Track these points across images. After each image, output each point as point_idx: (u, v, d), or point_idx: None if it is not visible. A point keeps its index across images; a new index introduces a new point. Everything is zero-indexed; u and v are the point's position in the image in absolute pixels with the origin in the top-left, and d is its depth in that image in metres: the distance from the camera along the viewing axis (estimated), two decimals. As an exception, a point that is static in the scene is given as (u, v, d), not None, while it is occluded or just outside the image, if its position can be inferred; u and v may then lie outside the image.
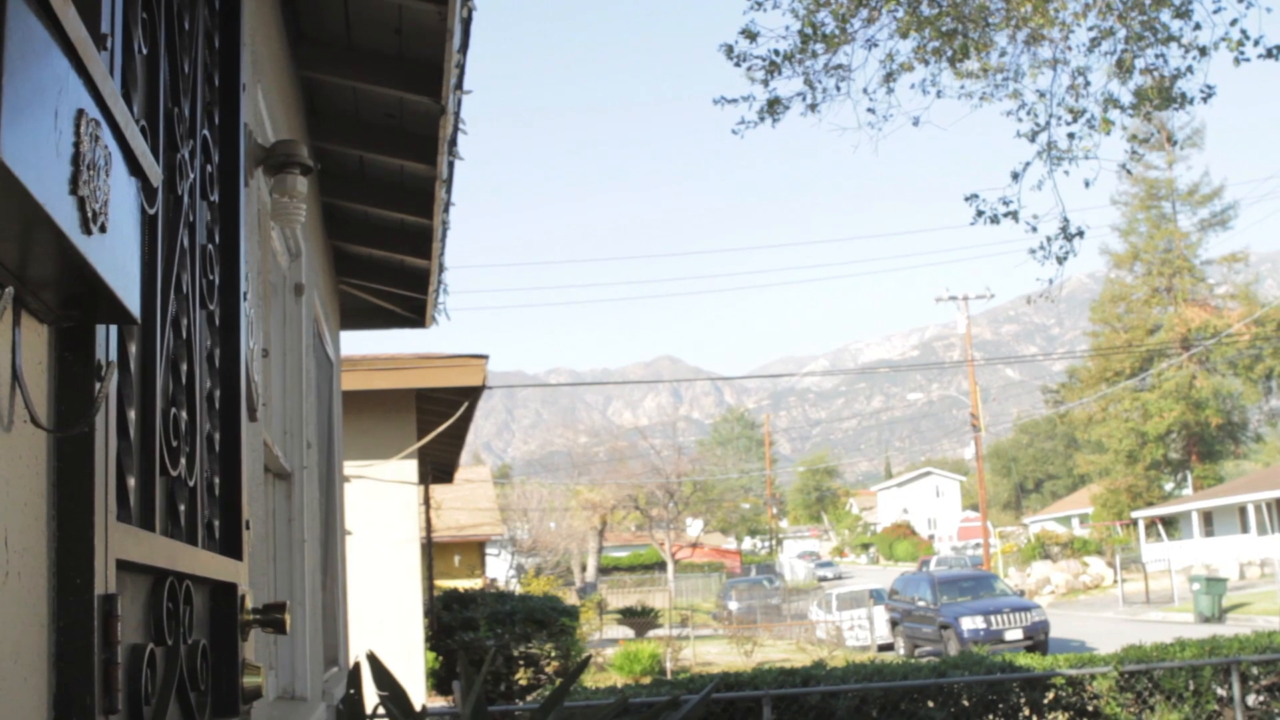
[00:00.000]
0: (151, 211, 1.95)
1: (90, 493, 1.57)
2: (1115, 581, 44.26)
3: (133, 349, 1.91)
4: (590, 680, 21.49)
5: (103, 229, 1.36)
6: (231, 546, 2.66)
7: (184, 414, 2.24)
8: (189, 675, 2.17)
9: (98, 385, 1.59)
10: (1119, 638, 16.79)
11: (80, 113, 1.28)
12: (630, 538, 68.49)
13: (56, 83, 1.22)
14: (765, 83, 12.36)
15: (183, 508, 2.24)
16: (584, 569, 57.68)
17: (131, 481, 1.87)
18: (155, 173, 1.61)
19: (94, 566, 1.56)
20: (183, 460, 2.20)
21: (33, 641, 1.48)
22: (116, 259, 1.44)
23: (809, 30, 12.08)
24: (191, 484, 2.31)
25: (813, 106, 12.52)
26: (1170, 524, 54.88)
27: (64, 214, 1.23)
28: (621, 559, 65.67)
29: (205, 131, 2.58)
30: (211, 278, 2.59)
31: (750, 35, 12.21)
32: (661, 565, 55.90)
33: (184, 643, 2.15)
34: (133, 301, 1.52)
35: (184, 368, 2.26)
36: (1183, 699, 10.86)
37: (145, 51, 2.01)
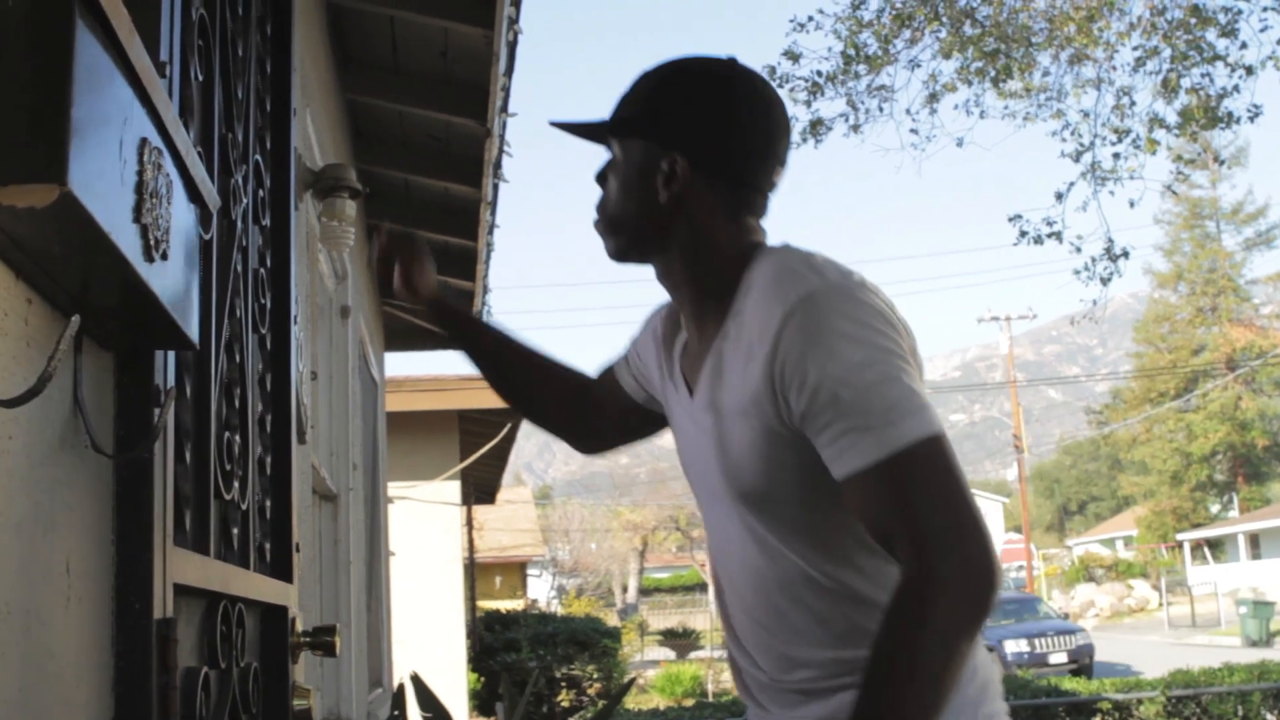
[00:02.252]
0: (207, 237, 1.96)
1: (149, 517, 1.58)
2: (1161, 605, 43.85)
3: (189, 374, 1.92)
4: (632, 702, 21.45)
5: (164, 256, 1.37)
6: (282, 569, 2.67)
7: (237, 438, 2.25)
8: (241, 698, 2.18)
9: (157, 411, 1.60)
10: (1165, 662, 16.64)
11: (144, 141, 1.29)
12: (671, 559, 68.33)
13: (121, 112, 1.23)
14: (808, 104, 12.38)
15: (235, 531, 2.25)
16: (625, 590, 57.59)
17: (188, 506, 1.88)
18: (214, 199, 1.62)
19: (153, 591, 1.57)
20: (236, 484, 2.21)
21: (93, 665, 1.48)
22: (177, 286, 1.45)
23: (852, 51, 12.09)
24: (244, 507, 2.32)
25: (855, 127, 12.53)
26: (1216, 546, 54.34)
27: (128, 242, 1.24)
28: (663, 580, 65.52)
29: (257, 156, 2.60)
30: (263, 302, 2.60)
31: (793, 56, 12.23)
32: (703, 586, 55.74)
33: (236, 666, 2.16)
34: (192, 328, 1.53)
35: (237, 392, 2.27)
36: (1231, 724, 10.76)
37: (201, 78, 2.03)
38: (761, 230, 2.02)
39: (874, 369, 1.69)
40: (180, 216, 1.47)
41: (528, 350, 2.55)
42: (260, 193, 2.64)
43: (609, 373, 2.45)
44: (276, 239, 2.78)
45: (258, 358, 2.55)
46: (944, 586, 1.59)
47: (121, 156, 1.22)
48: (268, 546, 2.60)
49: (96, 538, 1.51)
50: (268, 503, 2.63)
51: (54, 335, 1.36)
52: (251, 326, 2.44)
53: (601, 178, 2.08)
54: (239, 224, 2.30)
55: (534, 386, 2.54)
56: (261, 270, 2.61)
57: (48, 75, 1.08)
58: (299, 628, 2.68)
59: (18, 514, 1.27)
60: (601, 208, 2.08)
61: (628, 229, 2.03)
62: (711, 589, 2.10)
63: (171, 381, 1.71)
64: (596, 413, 2.48)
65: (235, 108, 2.35)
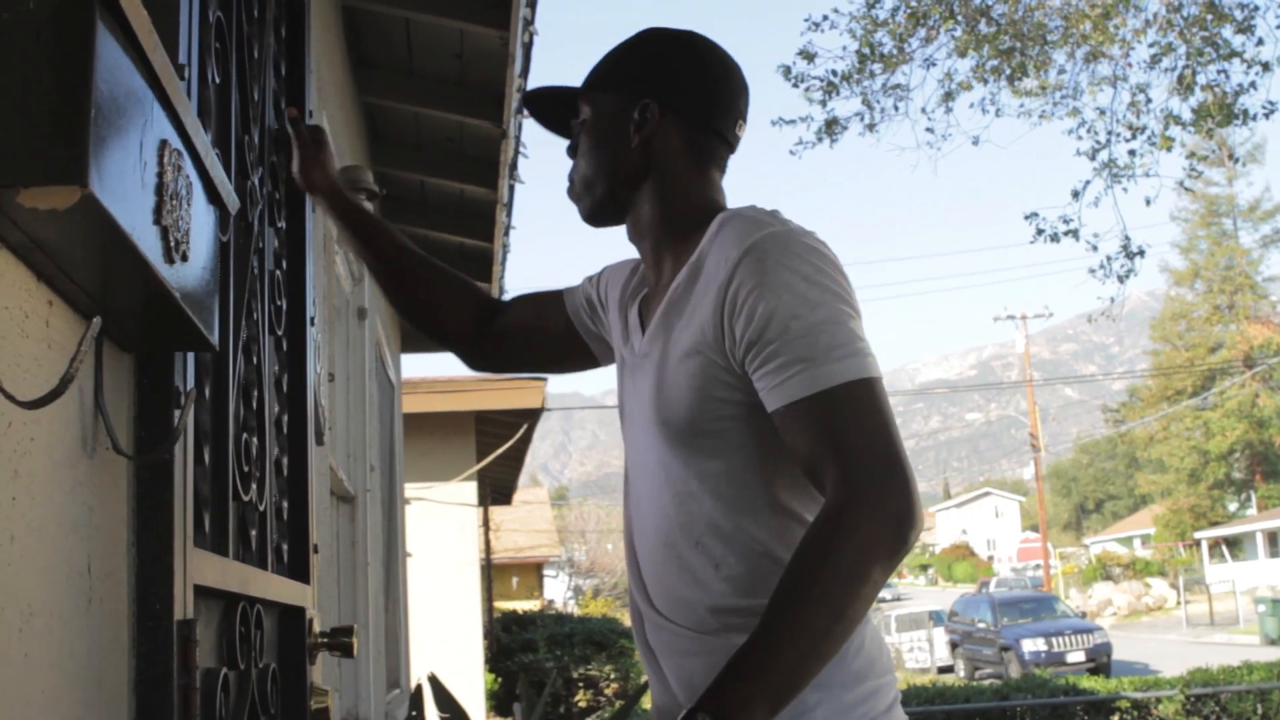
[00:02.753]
0: (224, 239, 1.97)
1: (169, 519, 1.58)
2: (1178, 603, 43.72)
3: (207, 376, 1.93)
4: (648, 702, 21.43)
5: (184, 258, 1.38)
6: (300, 570, 2.68)
7: (255, 439, 2.25)
8: (260, 699, 2.18)
9: (176, 413, 1.60)
10: (1183, 660, 16.59)
11: (164, 143, 1.30)
12: (687, 559, 68.13)
13: (141, 113, 1.23)
14: (823, 103, 12.36)
15: (254, 532, 2.25)
16: (641, 590, 57.46)
17: (207, 507, 1.89)
18: (233, 201, 1.62)
19: (173, 592, 1.57)
20: (254, 485, 2.21)
21: (114, 667, 1.49)
22: (196, 287, 1.45)
23: (867, 50, 12.07)
24: (262, 508, 2.32)
25: (871, 126, 12.50)
26: (1234, 544, 54.17)
27: (148, 244, 1.24)
28: (678, 580, 65.43)
29: (274, 158, 2.61)
30: (280, 304, 2.60)
31: (808, 56, 12.22)
32: (719, 587, 55.61)
33: (255, 667, 2.16)
34: (211, 329, 1.54)
35: (255, 393, 2.28)
36: (1251, 723, 10.72)
37: (218, 81, 2.03)
38: (723, 192, 2.12)
39: (824, 309, 1.77)
40: (200, 218, 1.48)
41: (426, 257, 2.63)
42: (277, 194, 2.65)
43: (550, 295, 2.51)
44: (293, 241, 2.79)
45: (275, 359, 2.55)
46: (861, 518, 1.65)
47: (142, 158, 1.23)
48: (285, 548, 2.61)
49: (117, 539, 1.52)
50: (285, 504, 2.63)
51: (75, 337, 1.36)
52: (269, 328, 2.45)
53: (573, 149, 2.17)
54: (256, 226, 2.31)
55: (431, 292, 2.59)
56: (278, 272, 2.61)
57: (69, 77, 1.08)
58: (317, 628, 2.68)
59: (39, 515, 1.28)
60: (574, 173, 2.16)
61: (603, 180, 2.11)
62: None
63: (191, 383, 1.72)
64: (501, 330, 2.54)
65: (252, 110, 2.36)
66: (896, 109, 12.60)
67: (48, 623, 1.29)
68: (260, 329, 2.35)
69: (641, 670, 19.26)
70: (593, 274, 2.41)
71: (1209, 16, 11.38)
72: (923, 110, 13.17)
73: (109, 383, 1.48)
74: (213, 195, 1.55)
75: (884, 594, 66.53)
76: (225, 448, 2.00)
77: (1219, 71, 11.63)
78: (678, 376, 1.91)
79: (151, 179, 1.26)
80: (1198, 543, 56.31)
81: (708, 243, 1.94)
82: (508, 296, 2.62)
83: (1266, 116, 11.70)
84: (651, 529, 2.00)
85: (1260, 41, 11.50)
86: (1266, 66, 11.48)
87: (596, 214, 2.15)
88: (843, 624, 1.63)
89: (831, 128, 12.45)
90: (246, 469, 2.15)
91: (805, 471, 1.78)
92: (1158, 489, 67.75)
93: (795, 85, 12.31)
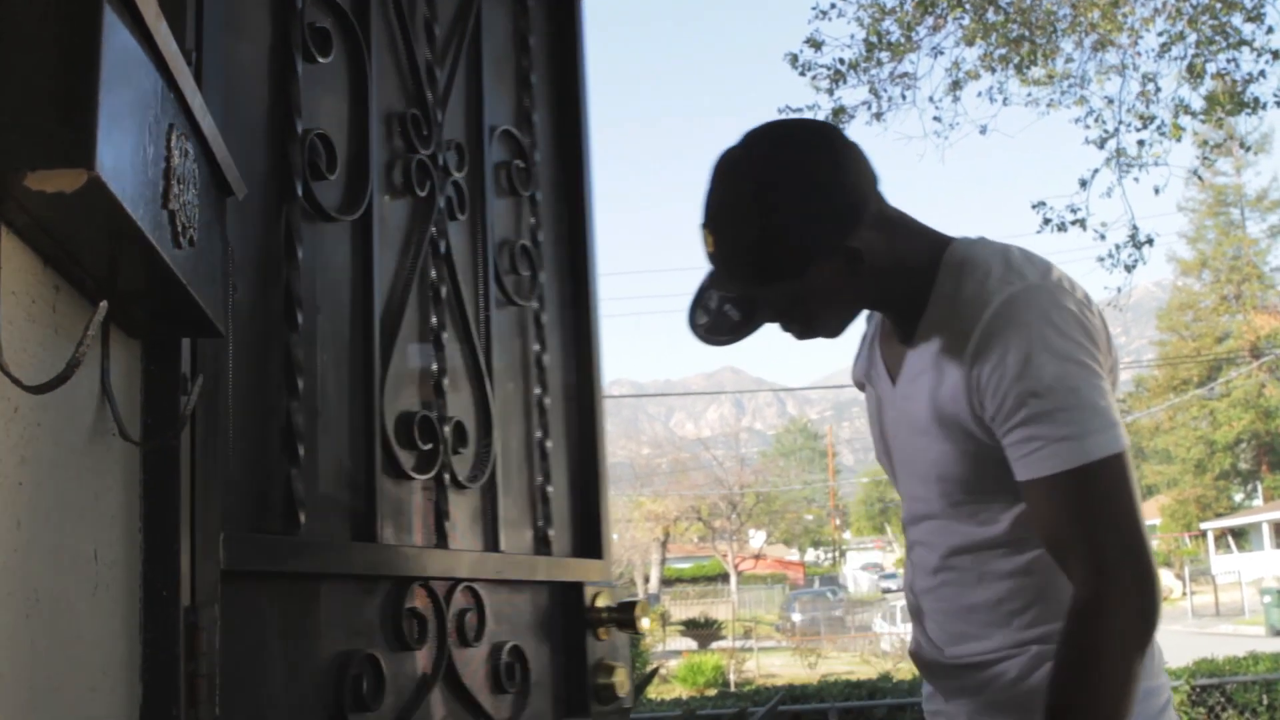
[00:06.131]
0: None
1: (176, 504, 1.58)
2: (1184, 594, 43.73)
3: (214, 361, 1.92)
4: (654, 692, 21.44)
5: (191, 243, 1.37)
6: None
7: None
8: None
9: (183, 399, 1.60)
10: (1189, 651, 16.55)
11: (171, 127, 1.29)
12: (693, 549, 68.31)
13: (149, 97, 1.22)
14: (830, 91, 12.33)
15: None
16: (647, 580, 57.63)
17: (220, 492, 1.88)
18: (240, 187, 1.61)
19: (179, 578, 1.57)
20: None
21: (120, 654, 1.48)
22: (203, 273, 1.44)
23: (874, 38, 12.04)
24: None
25: (878, 115, 12.48)
26: (1240, 535, 54.15)
27: (156, 228, 1.23)
28: (684, 570, 65.53)
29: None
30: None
31: (815, 44, 12.20)
32: (724, 577, 55.75)
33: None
34: (218, 315, 1.53)
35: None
36: (1256, 714, 10.71)
37: (226, 66, 2.03)
38: (906, 216, 1.99)
39: (1066, 381, 1.73)
40: (207, 203, 1.47)
41: None
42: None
43: None
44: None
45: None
46: (1112, 620, 1.66)
47: (150, 142, 1.22)
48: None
49: (124, 525, 1.51)
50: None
51: (81, 322, 1.35)
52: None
53: (787, 315, 1.99)
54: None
55: None
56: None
57: (76, 59, 1.07)
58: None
59: (46, 501, 1.27)
60: (813, 328, 2.00)
61: (849, 312, 2.01)
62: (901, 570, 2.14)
63: (198, 368, 1.71)
64: None
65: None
66: (904, 97, 12.59)
67: (54, 609, 1.28)
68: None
69: (648, 660, 19.29)
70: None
71: (1218, 4, 11.35)
72: (930, 99, 13.14)
73: (116, 368, 1.48)
74: (220, 180, 1.54)
75: (890, 584, 66.56)
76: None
77: (1229, 60, 11.60)
78: (947, 440, 1.90)
79: (159, 163, 1.25)
80: (1204, 533, 56.31)
81: (947, 291, 1.89)
82: None
83: (1277, 105, 11.67)
84: (931, 569, 2.02)
85: (1270, 30, 11.47)
86: (1276, 55, 11.45)
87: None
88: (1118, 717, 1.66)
89: (838, 116, 12.42)
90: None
91: (1047, 546, 1.79)
92: (1164, 479, 67.71)
93: (802, 74, 12.30)
